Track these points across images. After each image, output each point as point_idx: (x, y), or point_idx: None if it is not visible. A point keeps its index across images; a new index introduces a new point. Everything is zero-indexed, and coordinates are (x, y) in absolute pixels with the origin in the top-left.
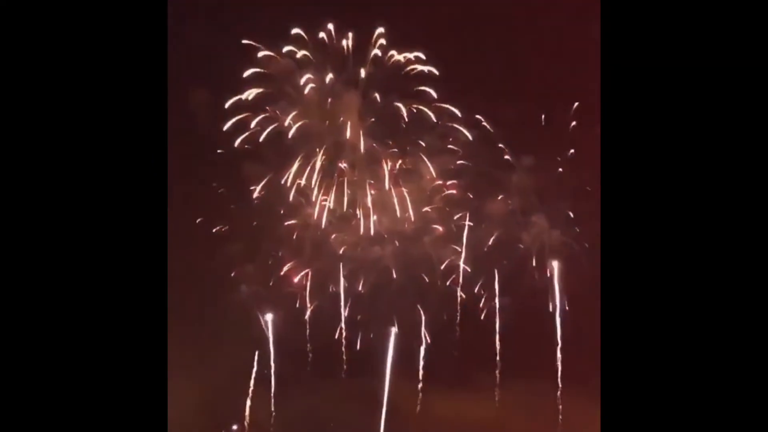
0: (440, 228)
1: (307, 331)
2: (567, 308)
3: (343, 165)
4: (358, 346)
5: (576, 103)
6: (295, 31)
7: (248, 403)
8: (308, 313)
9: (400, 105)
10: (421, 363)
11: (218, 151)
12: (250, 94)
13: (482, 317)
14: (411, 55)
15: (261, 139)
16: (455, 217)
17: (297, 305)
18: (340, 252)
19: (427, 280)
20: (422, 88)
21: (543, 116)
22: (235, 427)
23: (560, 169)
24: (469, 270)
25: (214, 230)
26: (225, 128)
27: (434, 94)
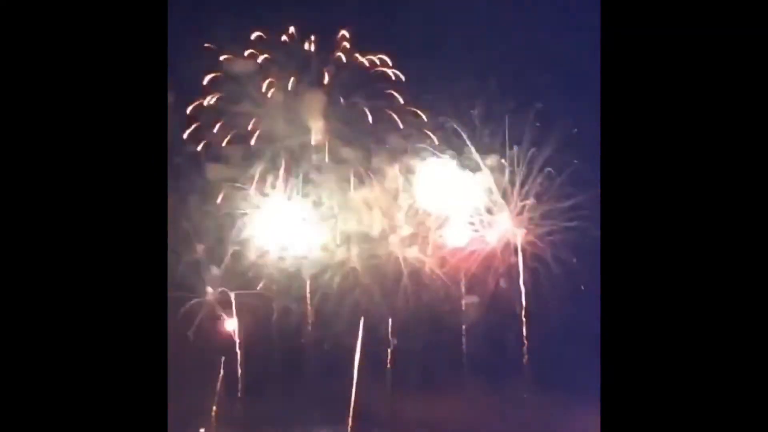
0: (407, 228)
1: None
2: (532, 308)
3: (307, 167)
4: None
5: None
6: (256, 34)
7: (214, 408)
8: (275, 315)
9: (364, 107)
10: (389, 364)
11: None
12: (213, 98)
13: (448, 317)
14: (375, 58)
15: (224, 143)
16: (422, 218)
17: (263, 308)
18: (307, 255)
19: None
20: (388, 90)
21: (507, 117)
22: (202, 430)
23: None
24: (436, 270)
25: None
26: (187, 133)
27: (399, 97)
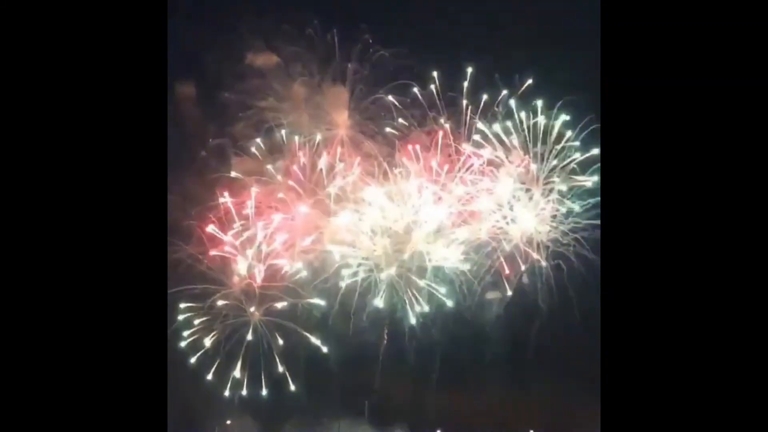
0: (430, 222)
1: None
2: (555, 304)
3: (331, 161)
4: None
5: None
6: (282, 27)
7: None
8: (299, 307)
9: (388, 98)
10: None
11: (209, 144)
12: (238, 90)
13: (471, 312)
14: (396, 51)
15: (250, 135)
16: (446, 213)
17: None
18: (331, 247)
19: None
20: (408, 82)
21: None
22: (228, 422)
23: (550, 164)
24: (459, 265)
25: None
26: (213, 125)
27: (420, 89)
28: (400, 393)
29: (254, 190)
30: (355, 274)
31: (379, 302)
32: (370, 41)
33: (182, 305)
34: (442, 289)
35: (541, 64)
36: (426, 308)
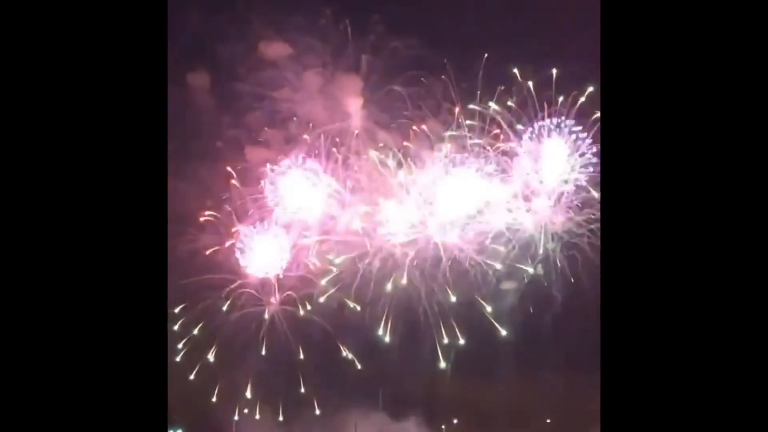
0: (445, 213)
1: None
2: (569, 294)
3: (346, 151)
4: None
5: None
6: (294, 18)
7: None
8: (314, 297)
9: (401, 92)
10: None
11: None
12: (252, 81)
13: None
14: (409, 41)
15: (262, 125)
16: (460, 204)
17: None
18: (347, 238)
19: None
20: (421, 72)
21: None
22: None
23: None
24: (474, 256)
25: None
26: (227, 116)
27: (434, 79)
28: (414, 382)
29: (268, 182)
30: (371, 264)
31: (394, 291)
32: (383, 32)
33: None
34: (458, 280)
35: (556, 55)
36: (441, 298)
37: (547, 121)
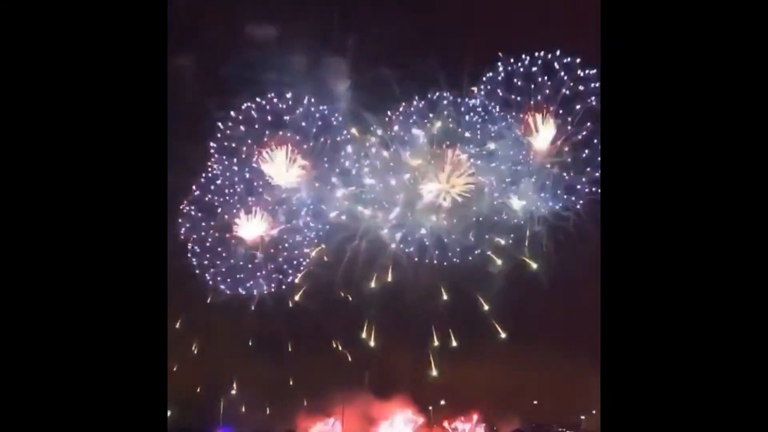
0: (431, 195)
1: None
2: (555, 277)
3: (334, 134)
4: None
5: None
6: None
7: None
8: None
9: (388, 75)
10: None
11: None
12: (239, 65)
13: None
14: (396, 25)
15: (250, 110)
16: (447, 186)
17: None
18: (334, 220)
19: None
20: (407, 55)
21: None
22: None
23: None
24: (461, 237)
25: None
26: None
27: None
28: (401, 364)
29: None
30: (358, 245)
31: (382, 274)
32: (370, 15)
33: None
34: (445, 263)
35: (544, 42)
36: (428, 282)
37: (533, 103)
